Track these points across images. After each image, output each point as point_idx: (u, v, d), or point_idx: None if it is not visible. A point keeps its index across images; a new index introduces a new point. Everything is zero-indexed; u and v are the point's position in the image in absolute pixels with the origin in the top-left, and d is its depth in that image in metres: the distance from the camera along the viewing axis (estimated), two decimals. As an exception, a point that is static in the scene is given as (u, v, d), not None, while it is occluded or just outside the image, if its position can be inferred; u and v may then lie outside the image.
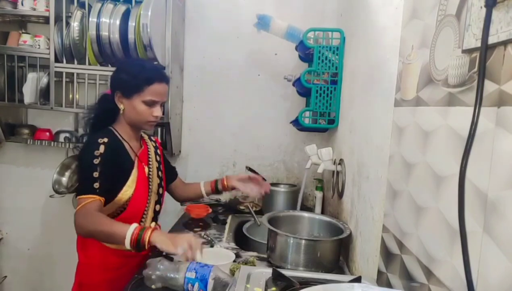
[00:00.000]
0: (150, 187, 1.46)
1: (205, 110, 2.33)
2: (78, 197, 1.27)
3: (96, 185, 1.27)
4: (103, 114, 1.42)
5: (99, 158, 1.29)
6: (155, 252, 1.34)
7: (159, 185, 1.52)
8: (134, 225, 1.21)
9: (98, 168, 1.28)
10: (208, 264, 1.15)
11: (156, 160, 1.54)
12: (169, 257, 1.26)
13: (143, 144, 1.51)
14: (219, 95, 2.31)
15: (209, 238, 1.60)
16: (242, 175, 1.71)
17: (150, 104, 1.36)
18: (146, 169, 1.45)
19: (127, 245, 1.19)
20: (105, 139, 1.33)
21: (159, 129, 2.21)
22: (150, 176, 1.47)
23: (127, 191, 1.37)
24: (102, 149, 1.30)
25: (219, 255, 1.34)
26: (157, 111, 1.38)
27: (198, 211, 1.95)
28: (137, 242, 1.18)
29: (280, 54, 2.25)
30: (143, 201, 1.43)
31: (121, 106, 1.38)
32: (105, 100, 1.44)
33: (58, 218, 2.43)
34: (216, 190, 1.69)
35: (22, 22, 2.32)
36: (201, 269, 1.13)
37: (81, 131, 2.36)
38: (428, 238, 0.81)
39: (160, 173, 1.54)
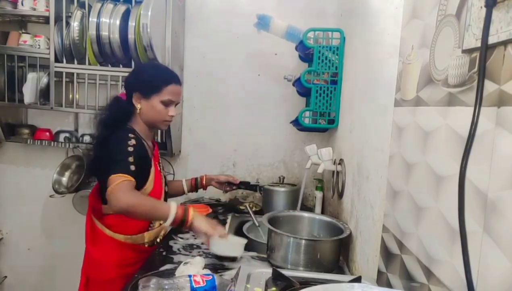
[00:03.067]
0: (163, 185, 1.53)
1: (205, 110, 2.33)
2: (113, 175, 1.26)
3: (132, 168, 1.30)
4: (119, 115, 1.45)
5: (133, 148, 1.33)
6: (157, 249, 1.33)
7: (165, 183, 1.59)
8: (175, 203, 1.32)
9: (132, 155, 1.31)
10: (207, 280, 1.09)
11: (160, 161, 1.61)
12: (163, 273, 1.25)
13: (155, 144, 1.58)
14: (219, 95, 2.31)
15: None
16: (221, 177, 1.84)
17: (168, 104, 1.44)
18: (159, 168, 1.53)
19: (170, 220, 1.28)
20: (134, 135, 1.38)
21: (159, 129, 2.21)
22: (162, 175, 1.55)
23: (147, 188, 1.43)
24: (133, 141, 1.36)
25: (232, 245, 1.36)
26: (172, 111, 1.46)
27: (198, 211, 1.94)
28: (181, 220, 1.30)
29: (280, 54, 2.25)
30: (159, 198, 1.50)
31: (138, 106, 1.44)
32: (117, 102, 1.48)
33: (58, 218, 2.43)
34: (195, 188, 1.82)
35: (22, 22, 2.32)
36: None
37: (81, 131, 2.37)
38: (428, 238, 0.80)
39: (163, 171, 1.61)
